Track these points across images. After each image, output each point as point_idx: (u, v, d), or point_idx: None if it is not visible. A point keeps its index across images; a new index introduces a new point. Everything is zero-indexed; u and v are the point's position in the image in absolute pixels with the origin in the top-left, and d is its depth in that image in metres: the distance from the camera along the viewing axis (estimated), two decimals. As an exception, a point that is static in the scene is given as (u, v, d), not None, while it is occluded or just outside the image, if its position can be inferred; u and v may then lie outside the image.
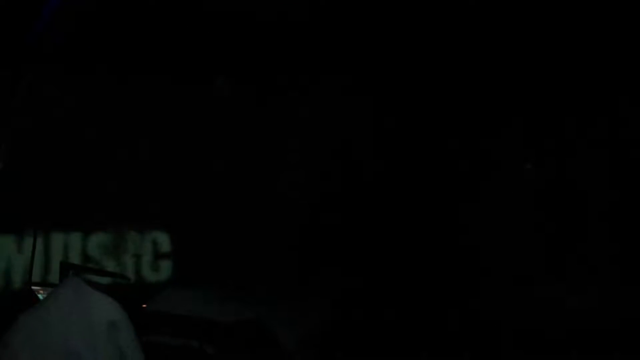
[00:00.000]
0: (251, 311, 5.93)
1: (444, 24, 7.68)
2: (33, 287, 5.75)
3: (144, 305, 5.83)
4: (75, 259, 7.27)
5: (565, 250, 7.64)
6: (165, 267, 7.69)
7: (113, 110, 7.54)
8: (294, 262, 7.72)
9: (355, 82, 7.87)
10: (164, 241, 7.70)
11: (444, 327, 7.10)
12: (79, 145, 7.39)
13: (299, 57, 7.81)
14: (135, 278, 7.51)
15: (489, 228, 7.78)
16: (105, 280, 6.65)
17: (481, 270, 7.66)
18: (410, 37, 7.78)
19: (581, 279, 7.46)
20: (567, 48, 7.61)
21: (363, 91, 7.94)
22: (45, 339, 4.47)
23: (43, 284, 6.14)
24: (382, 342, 6.63)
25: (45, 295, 5.33)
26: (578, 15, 7.47)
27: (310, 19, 7.64)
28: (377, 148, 8.03)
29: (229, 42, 7.68)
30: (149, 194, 7.56)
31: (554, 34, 7.60)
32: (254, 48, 7.74)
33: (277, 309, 6.12)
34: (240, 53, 7.74)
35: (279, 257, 7.67)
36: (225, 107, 7.91)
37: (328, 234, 7.85)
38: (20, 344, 4.49)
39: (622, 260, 7.41)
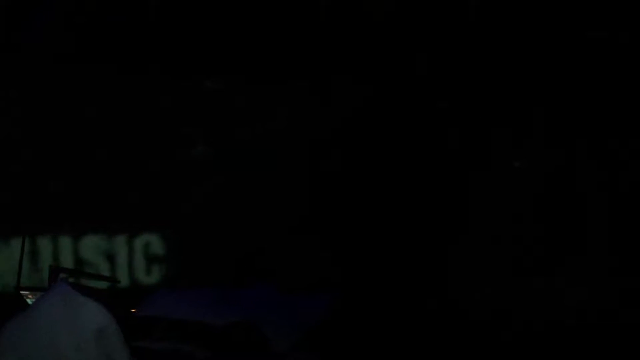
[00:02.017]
0: (243, 314, 5.88)
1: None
2: (22, 292, 5.71)
3: (134, 310, 5.78)
4: (64, 262, 7.24)
5: (563, 243, 7.64)
6: (156, 270, 7.65)
7: (100, 110, 7.51)
8: (286, 263, 7.71)
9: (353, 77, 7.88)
10: (155, 243, 7.67)
11: (439, 325, 7.09)
12: (67, 147, 7.37)
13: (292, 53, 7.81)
14: (126, 281, 7.48)
15: (487, 222, 7.77)
16: (95, 283, 6.63)
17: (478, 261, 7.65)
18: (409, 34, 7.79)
19: (579, 273, 7.46)
20: (565, 47, 7.62)
21: (359, 85, 7.94)
22: (33, 345, 4.43)
23: (32, 288, 6.10)
24: (378, 344, 6.61)
25: (33, 300, 5.28)
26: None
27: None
28: (371, 142, 8.00)
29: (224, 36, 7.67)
30: (139, 195, 7.53)
31: (548, 32, 7.62)
32: (243, 43, 7.72)
33: (269, 312, 6.08)
34: (232, 48, 7.71)
35: (270, 257, 7.66)
36: (214, 107, 7.88)
37: (319, 233, 7.85)
38: (7, 350, 4.45)
39: (621, 254, 7.42)
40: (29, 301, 5.46)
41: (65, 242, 7.37)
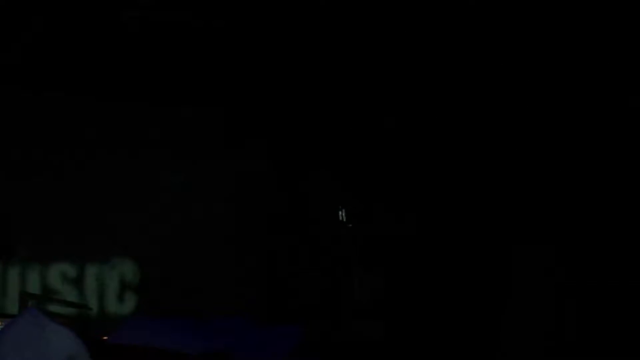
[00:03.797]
0: (216, 343, 5.83)
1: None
2: (-10, 318, 5.61)
3: (105, 338, 5.70)
4: (34, 289, 7.17)
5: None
6: (129, 297, 7.59)
7: (71, 135, 7.50)
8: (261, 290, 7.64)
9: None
10: (128, 270, 7.61)
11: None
12: (37, 173, 7.34)
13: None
14: (97, 309, 7.41)
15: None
16: (66, 310, 6.56)
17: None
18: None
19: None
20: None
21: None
22: (0, 373, 4.33)
23: (0, 314, 6.02)
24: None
25: (1, 327, 5.19)
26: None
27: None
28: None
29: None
30: (112, 222, 7.49)
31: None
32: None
33: (243, 341, 6.04)
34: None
35: (245, 285, 7.60)
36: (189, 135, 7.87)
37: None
38: (-27, 378, 4.34)
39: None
40: (-4, 328, 5.35)
41: (35, 269, 7.30)
